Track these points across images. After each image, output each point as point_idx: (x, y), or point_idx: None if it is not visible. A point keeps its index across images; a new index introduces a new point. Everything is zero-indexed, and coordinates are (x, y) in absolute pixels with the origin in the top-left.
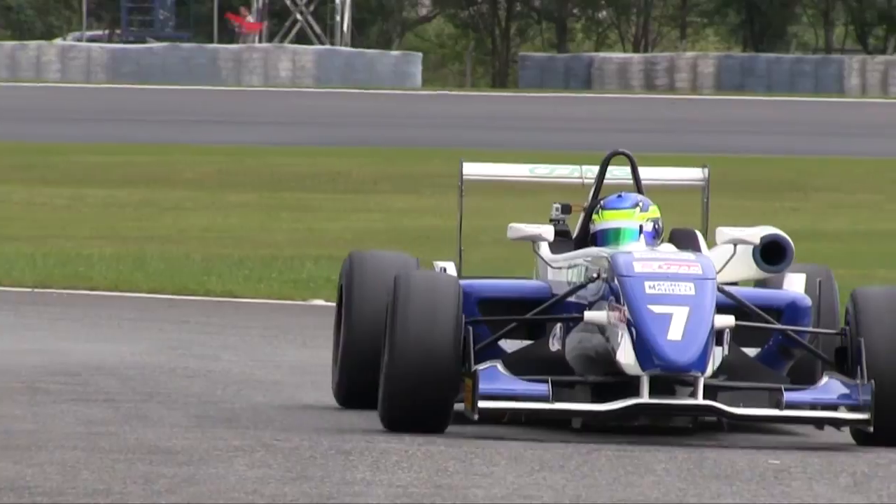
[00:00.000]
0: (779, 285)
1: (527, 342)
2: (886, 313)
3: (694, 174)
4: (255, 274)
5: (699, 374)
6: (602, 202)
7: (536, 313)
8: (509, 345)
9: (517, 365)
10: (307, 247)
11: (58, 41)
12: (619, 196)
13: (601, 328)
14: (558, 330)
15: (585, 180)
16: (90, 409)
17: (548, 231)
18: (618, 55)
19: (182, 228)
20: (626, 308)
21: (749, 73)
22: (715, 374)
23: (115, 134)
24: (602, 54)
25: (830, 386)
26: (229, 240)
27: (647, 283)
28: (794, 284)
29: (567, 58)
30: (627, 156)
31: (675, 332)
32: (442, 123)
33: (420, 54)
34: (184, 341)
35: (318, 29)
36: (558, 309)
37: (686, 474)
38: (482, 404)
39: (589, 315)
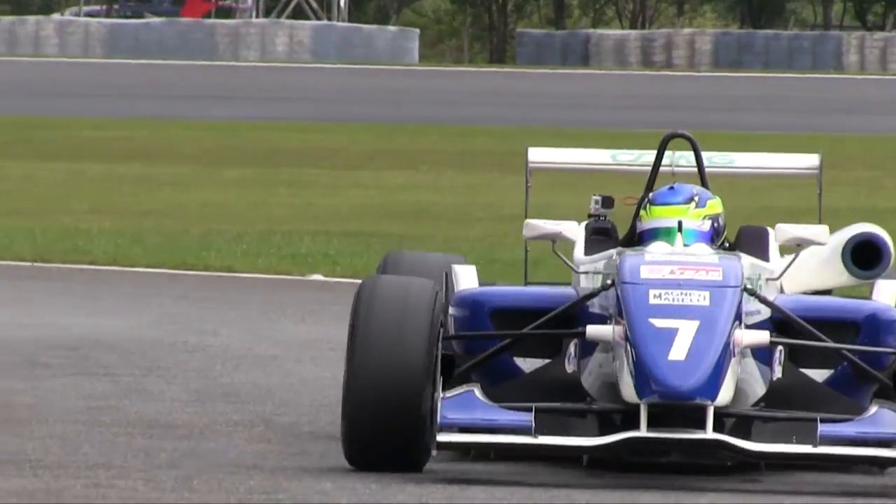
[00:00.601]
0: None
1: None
2: None
3: (806, 161)
4: (253, 249)
5: (708, 403)
6: (651, 196)
7: (535, 327)
8: (528, 364)
9: (524, 390)
10: (305, 222)
11: (56, 16)
12: (671, 188)
13: (609, 346)
14: (573, 348)
15: (676, 169)
16: (90, 384)
17: (570, 229)
18: (615, 32)
19: (180, 203)
20: (625, 322)
21: (747, 50)
22: (759, 402)
23: (113, 109)
24: (599, 31)
25: (879, 417)
26: (227, 215)
27: (651, 292)
28: (883, 293)
29: (564, 34)
30: (688, 139)
31: (678, 352)
32: (439, 100)
33: (417, 30)
34: (183, 316)
35: (314, 4)
36: (566, 322)
37: None
38: (442, 437)
39: (592, 330)
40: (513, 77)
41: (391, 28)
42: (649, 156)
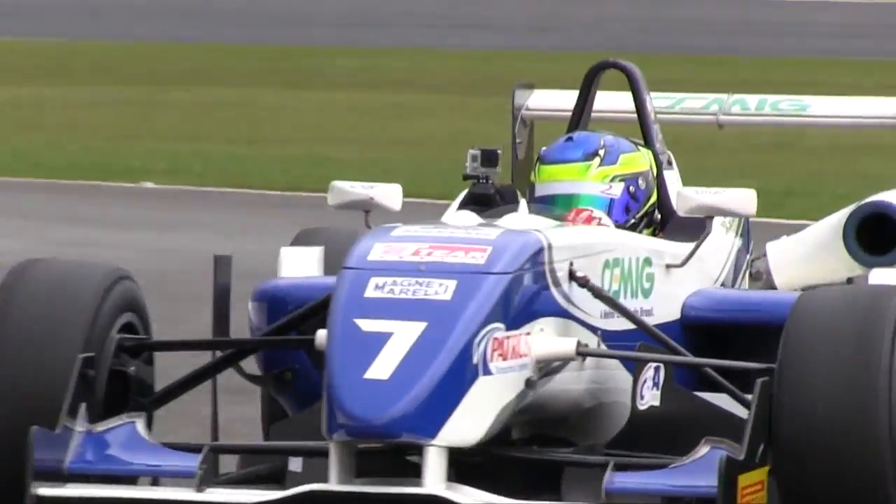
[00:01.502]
0: None
1: None
2: (823, 338)
3: (888, 108)
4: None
5: (424, 441)
6: (541, 152)
7: (268, 333)
8: None
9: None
10: None
11: None
12: (570, 139)
13: None
14: None
15: (721, 117)
16: None
17: (385, 194)
18: None
19: (431, 132)
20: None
21: None
22: (622, 438)
23: (364, 38)
24: None
25: (706, 462)
26: (479, 144)
27: (373, 281)
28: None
29: None
30: (622, 69)
31: (380, 368)
32: (701, 28)
33: None
34: None
35: None
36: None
37: None
38: (43, 490)
39: (321, 336)
40: (753, 5)
41: None
42: (694, 101)
